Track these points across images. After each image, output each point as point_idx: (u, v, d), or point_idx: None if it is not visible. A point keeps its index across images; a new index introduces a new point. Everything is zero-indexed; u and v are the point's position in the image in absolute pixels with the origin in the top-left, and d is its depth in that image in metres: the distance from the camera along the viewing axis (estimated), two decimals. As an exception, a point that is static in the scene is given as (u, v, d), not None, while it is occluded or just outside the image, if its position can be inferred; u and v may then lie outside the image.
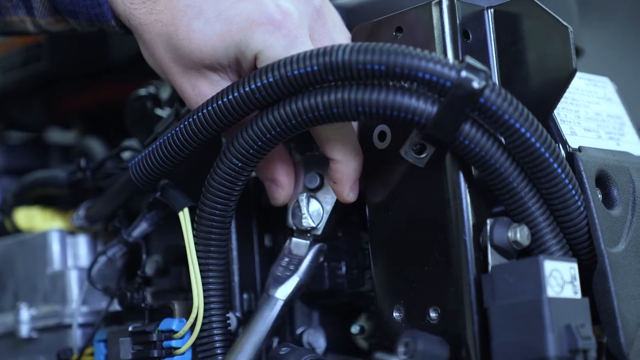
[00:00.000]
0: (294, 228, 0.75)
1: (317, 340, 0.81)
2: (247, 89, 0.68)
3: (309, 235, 0.75)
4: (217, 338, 0.73)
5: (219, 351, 0.73)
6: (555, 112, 0.73)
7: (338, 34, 0.75)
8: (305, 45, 0.69)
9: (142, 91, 0.86)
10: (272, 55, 0.68)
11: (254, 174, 0.77)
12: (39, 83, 1.04)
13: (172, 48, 0.71)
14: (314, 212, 0.74)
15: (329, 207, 0.74)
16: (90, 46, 0.98)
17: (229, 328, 0.74)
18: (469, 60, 0.65)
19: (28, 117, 1.14)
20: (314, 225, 0.74)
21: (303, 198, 0.74)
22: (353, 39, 0.75)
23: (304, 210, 0.74)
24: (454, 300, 0.68)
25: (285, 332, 0.81)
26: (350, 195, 0.73)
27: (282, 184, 0.74)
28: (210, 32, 0.69)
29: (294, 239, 0.75)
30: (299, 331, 0.81)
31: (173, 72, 0.72)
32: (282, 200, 0.75)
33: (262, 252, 0.81)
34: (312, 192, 0.75)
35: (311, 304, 0.82)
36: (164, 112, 0.84)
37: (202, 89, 0.72)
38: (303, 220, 0.74)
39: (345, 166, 0.72)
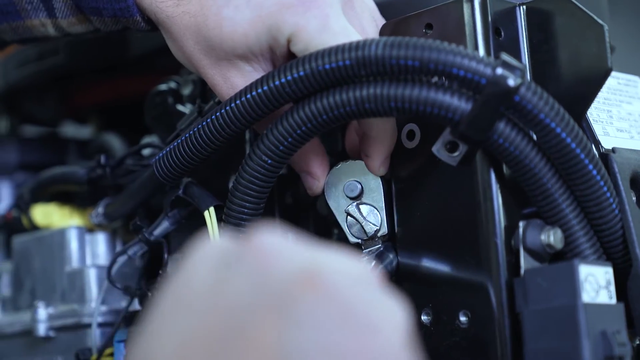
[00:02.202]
0: (360, 241, 0.72)
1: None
2: (277, 82, 0.66)
3: (377, 239, 0.72)
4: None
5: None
6: (588, 112, 0.71)
7: (367, 20, 0.73)
8: (338, 24, 0.67)
9: (163, 86, 0.85)
10: (306, 37, 0.66)
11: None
12: (55, 76, 1.03)
13: (202, 39, 0.69)
14: (370, 215, 0.72)
15: (381, 204, 0.72)
16: (110, 39, 0.97)
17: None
18: (505, 57, 0.63)
19: (42, 111, 1.13)
20: (377, 227, 0.72)
21: (353, 209, 0.72)
22: (381, 36, 0.74)
23: (360, 218, 0.72)
24: (485, 305, 0.66)
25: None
26: (381, 169, 0.71)
27: (318, 175, 0.73)
28: (240, 19, 0.68)
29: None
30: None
31: (204, 65, 0.71)
32: (319, 190, 0.73)
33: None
34: (357, 200, 0.73)
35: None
36: (185, 108, 0.82)
37: (234, 81, 0.70)
38: (365, 227, 0.72)
39: (380, 143, 0.70)
